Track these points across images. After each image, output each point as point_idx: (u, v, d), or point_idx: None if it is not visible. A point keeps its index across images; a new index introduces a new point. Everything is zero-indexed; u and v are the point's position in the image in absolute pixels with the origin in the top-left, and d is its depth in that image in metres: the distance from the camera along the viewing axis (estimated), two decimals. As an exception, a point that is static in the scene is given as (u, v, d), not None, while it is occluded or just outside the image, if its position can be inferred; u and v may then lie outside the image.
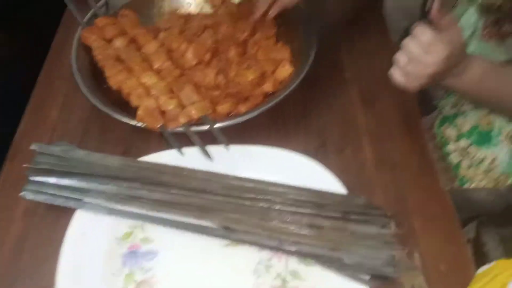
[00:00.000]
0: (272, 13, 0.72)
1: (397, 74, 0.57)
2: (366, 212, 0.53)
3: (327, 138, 0.66)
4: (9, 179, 0.60)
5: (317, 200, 0.54)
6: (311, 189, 0.55)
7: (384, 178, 0.61)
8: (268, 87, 0.67)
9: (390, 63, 0.75)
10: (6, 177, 0.61)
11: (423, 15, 0.54)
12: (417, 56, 0.53)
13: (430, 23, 0.54)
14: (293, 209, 0.53)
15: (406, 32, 0.56)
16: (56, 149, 0.59)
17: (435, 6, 0.52)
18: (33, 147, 0.59)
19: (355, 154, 0.63)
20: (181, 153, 0.59)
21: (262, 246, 0.52)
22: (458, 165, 0.73)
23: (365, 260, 0.49)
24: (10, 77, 0.92)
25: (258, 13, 0.73)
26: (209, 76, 0.66)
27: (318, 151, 0.63)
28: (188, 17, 0.79)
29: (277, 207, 0.54)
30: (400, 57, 0.56)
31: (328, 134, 0.66)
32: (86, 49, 0.71)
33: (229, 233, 0.52)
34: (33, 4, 1.02)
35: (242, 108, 0.65)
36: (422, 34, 0.53)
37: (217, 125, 0.60)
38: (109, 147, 0.64)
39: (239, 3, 0.79)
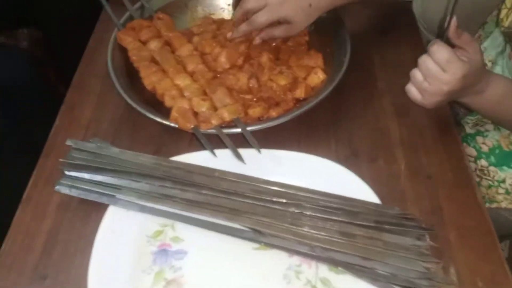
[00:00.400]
0: (257, 41, 0.71)
1: (413, 91, 0.57)
2: (400, 222, 0.52)
3: (358, 147, 0.65)
4: (43, 174, 0.61)
5: (349, 208, 0.53)
6: (343, 196, 0.55)
7: (418, 190, 0.59)
8: (299, 93, 0.67)
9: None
10: (40, 172, 0.62)
11: (441, 33, 0.54)
12: (433, 74, 0.53)
13: (448, 40, 0.53)
14: (324, 215, 0.53)
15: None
16: (91, 145, 0.59)
17: (453, 24, 0.52)
18: (68, 142, 0.60)
19: (387, 164, 0.62)
20: (214, 154, 0.59)
21: (292, 251, 0.51)
22: (478, 184, 0.71)
23: (399, 271, 0.48)
24: (44, 75, 0.95)
25: (232, 36, 0.71)
26: (241, 80, 0.66)
27: (349, 160, 0.63)
28: (221, 22, 0.80)
29: (308, 212, 0.53)
30: (416, 74, 0.55)
31: (360, 143, 0.65)
32: (122, 50, 0.72)
33: (259, 236, 0.52)
34: (70, 5, 1.06)
35: (273, 112, 0.65)
36: (439, 52, 0.52)
37: (249, 128, 0.60)
38: (141, 146, 0.64)
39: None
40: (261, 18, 0.66)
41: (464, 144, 0.73)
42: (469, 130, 0.74)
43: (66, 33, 1.05)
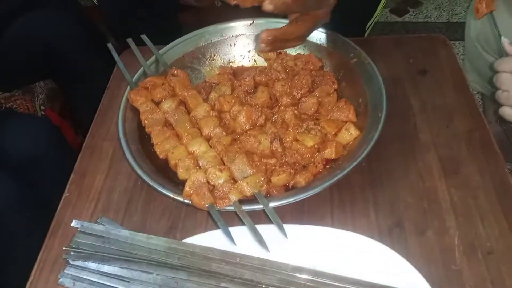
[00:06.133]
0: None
1: (508, 111, 0.54)
2: (462, 325, 0.42)
3: (402, 215, 0.56)
4: (49, 258, 0.56)
5: (397, 304, 0.44)
6: (390, 287, 0.46)
7: (478, 270, 0.50)
8: (329, 153, 0.59)
9: (472, 121, 0.66)
10: (46, 256, 0.56)
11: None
12: None
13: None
14: (368, 315, 0.44)
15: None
16: (98, 228, 0.54)
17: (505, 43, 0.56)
18: (74, 224, 0.55)
19: (438, 237, 0.53)
20: (232, 241, 0.51)
21: None
22: None
23: None
24: (62, 141, 0.91)
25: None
26: (263, 143, 0.59)
27: (393, 233, 0.54)
28: (240, 72, 0.74)
29: (348, 312, 0.44)
30: (501, 94, 0.53)
31: (404, 210, 0.56)
32: (134, 110, 0.67)
33: None
34: (86, 57, 1.03)
35: (300, 178, 0.57)
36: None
37: (272, 204, 0.52)
38: (154, 221, 0.58)
39: (296, 56, 0.73)
40: None
41: None
42: None
43: (83, 86, 1.02)
